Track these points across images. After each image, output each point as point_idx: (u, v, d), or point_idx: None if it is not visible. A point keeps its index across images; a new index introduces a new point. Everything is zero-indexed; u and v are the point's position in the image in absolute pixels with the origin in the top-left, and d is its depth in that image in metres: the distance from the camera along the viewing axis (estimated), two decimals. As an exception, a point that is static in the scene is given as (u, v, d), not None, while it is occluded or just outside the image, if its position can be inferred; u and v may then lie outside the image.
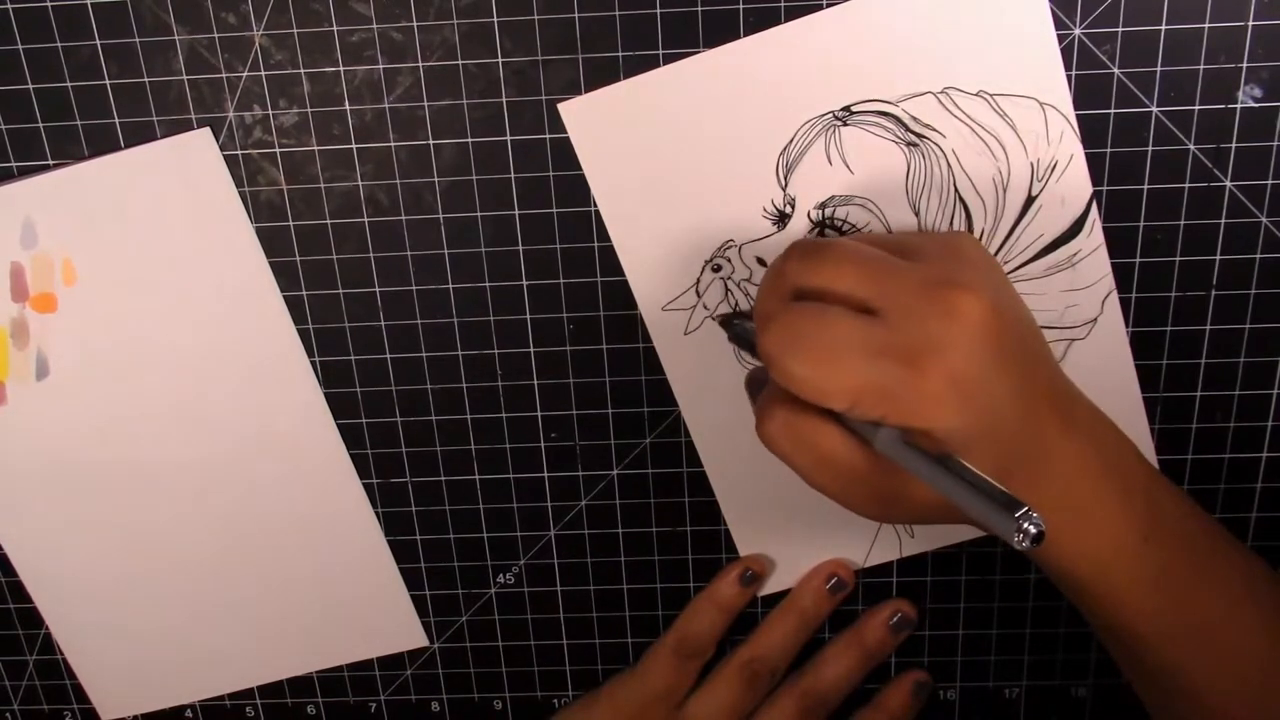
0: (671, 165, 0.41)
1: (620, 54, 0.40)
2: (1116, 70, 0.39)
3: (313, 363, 0.44)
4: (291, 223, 0.42)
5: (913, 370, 0.32)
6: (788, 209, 0.41)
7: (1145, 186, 0.41)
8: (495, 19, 0.39)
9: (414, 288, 0.43)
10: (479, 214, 0.42)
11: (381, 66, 0.40)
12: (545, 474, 0.46)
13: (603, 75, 0.40)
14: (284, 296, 0.43)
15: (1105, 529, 0.35)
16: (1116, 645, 0.39)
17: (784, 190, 0.41)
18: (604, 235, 0.42)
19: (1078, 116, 0.40)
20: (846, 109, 0.40)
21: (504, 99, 0.40)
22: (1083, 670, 0.49)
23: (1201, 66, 0.39)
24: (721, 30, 0.39)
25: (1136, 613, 0.36)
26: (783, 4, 0.39)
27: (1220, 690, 0.37)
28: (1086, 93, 0.39)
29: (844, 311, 0.33)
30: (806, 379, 0.33)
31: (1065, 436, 0.35)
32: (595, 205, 0.42)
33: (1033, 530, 0.28)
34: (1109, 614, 0.37)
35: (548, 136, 0.41)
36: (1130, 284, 0.42)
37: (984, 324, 0.32)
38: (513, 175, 0.42)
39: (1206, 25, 0.38)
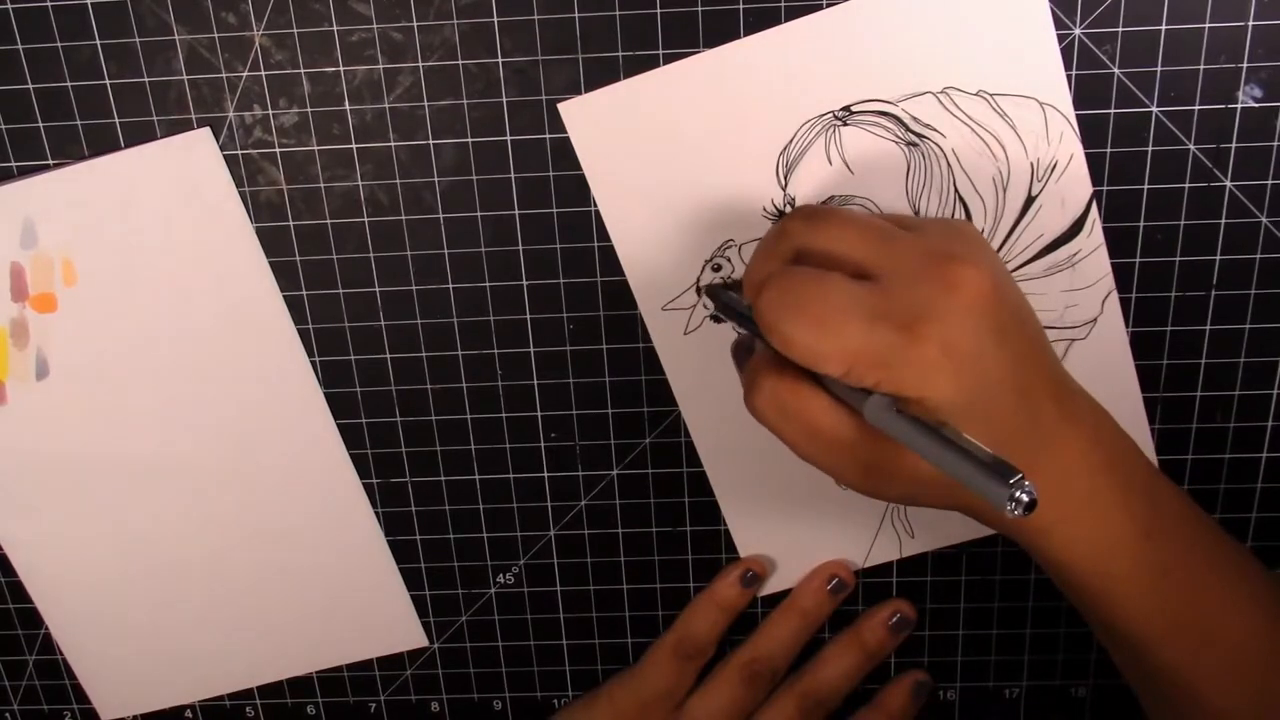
0: (671, 165, 0.41)
1: (620, 54, 0.40)
2: (1116, 70, 0.39)
3: (313, 363, 0.44)
4: (291, 223, 0.42)
5: (909, 337, 0.32)
6: (788, 209, 0.41)
7: (1145, 186, 0.41)
8: (495, 19, 0.39)
9: (414, 288, 0.43)
10: (479, 214, 0.42)
11: (381, 66, 0.40)
12: (545, 474, 0.46)
13: (603, 75, 0.40)
14: (284, 296, 0.43)
15: (1104, 522, 0.35)
16: (1115, 646, 0.39)
17: (784, 190, 0.41)
18: (604, 235, 0.42)
19: (1078, 116, 0.40)
20: (846, 109, 0.40)
21: (504, 99, 0.40)
22: (1083, 670, 0.49)
23: (1201, 66, 0.39)
24: (721, 30, 0.39)
25: (1135, 612, 0.36)
26: (783, 4, 0.39)
27: (1219, 692, 0.37)
28: (1086, 93, 0.39)
29: (842, 276, 0.33)
30: (801, 342, 0.33)
31: (1064, 425, 0.35)
32: (595, 205, 0.42)
33: (1025, 498, 0.27)
34: (1107, 612, 0.37)
35: (548, 136, 0.41)
36: (1130, 284, 0.42)
37: (983, 298, 0.32)
38: (513, 175, 0.42)
39: (1206, 25, 0.38)
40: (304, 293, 0.43)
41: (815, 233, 0.35)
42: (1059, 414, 0.35)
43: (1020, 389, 0.34)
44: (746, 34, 0.39)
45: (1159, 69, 0.39)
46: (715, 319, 0.43)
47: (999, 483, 0.28)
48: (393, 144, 0.41)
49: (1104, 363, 0.43)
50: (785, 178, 0.41)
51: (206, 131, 0.41)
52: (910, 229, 0.35)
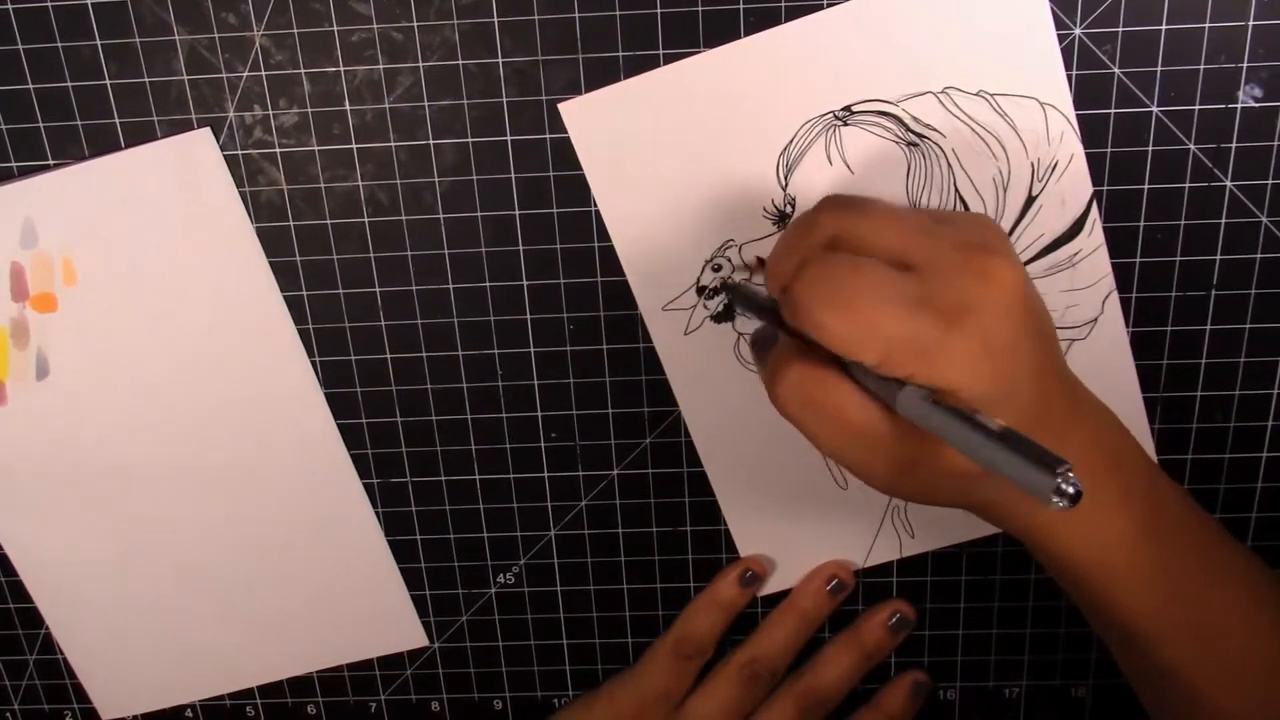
0: (671, 165, 0.41)
1: (620, 54, 0.40)
2: (1116, 70, 0.39)
3: (313, 363, 0.44)
4: (291, 223, 0.42)
5: (949, 328, 0.31)
6: (788, 209, 0.41)
7: (1145, 186, 0.41)
8: (495, 19, 0.39)
9: (414, 288, 0.43)
10: (479, 214, 0.42)
11: (381, 66, 0.40)
12: (545, 474, 0.46)
13: (603, 75, 0.40)
14: (284, 296, 0.43)
15: (1105, 520, 0.35)
16: (1116, 644, 0.39)
17: (784, 190, 0.41)
18: (604, 235, 0.42)
19: (1078, 116, 0.40)
20: (846, 109, 0.40)
21: (504, 99, 0.40)
22: (1083, 670, 0.49)
23: (1201, 66, 0.39)
24: (721, 30, 0.39)
25: (1136, 609, 0.36)
26: (783, 4, 0.39)
27: (1221, 690, 0.37)
28: (1086, 93, 0.39)
29: (880, 263, 0.33)
30: (838, 328, 0.32)
31: (1072, 422, 0.35)
32: (595, 205, 0.42)
33: (1070, 490, 0.26)
34: (1108, 610, 0.37)
35: (548, 136, 0.41)
36: (1130, 284, 0.42)
37: (1016, 291, 0.32)
38: (513, 175, 0.42)
39: (1206, 25, 0.38)
40: (304, 293, 0.43)
41: (850, 222, 0.34)
42: (1067, 411, 0.35)
43: (1039, 383, 0.33)
44: (746, 34, 0.39)
45: (1159, 69, 0.39)
46: (715, 319, 0.43)
47: (1045, 473, 0.27)
48: (393, 144, 0.41)
49: (1104, 363, 0.43)
50: (785, 178, 0.41)
51: (206, 131, 0.41)
52: (939, 222, 0.35)
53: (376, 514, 0.47)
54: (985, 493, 0.35)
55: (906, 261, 0.33)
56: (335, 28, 0.40)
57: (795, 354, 0.34)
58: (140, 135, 0.41)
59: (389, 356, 0.44)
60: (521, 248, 0.43)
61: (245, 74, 0.40)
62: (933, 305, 0.32)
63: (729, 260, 0.42)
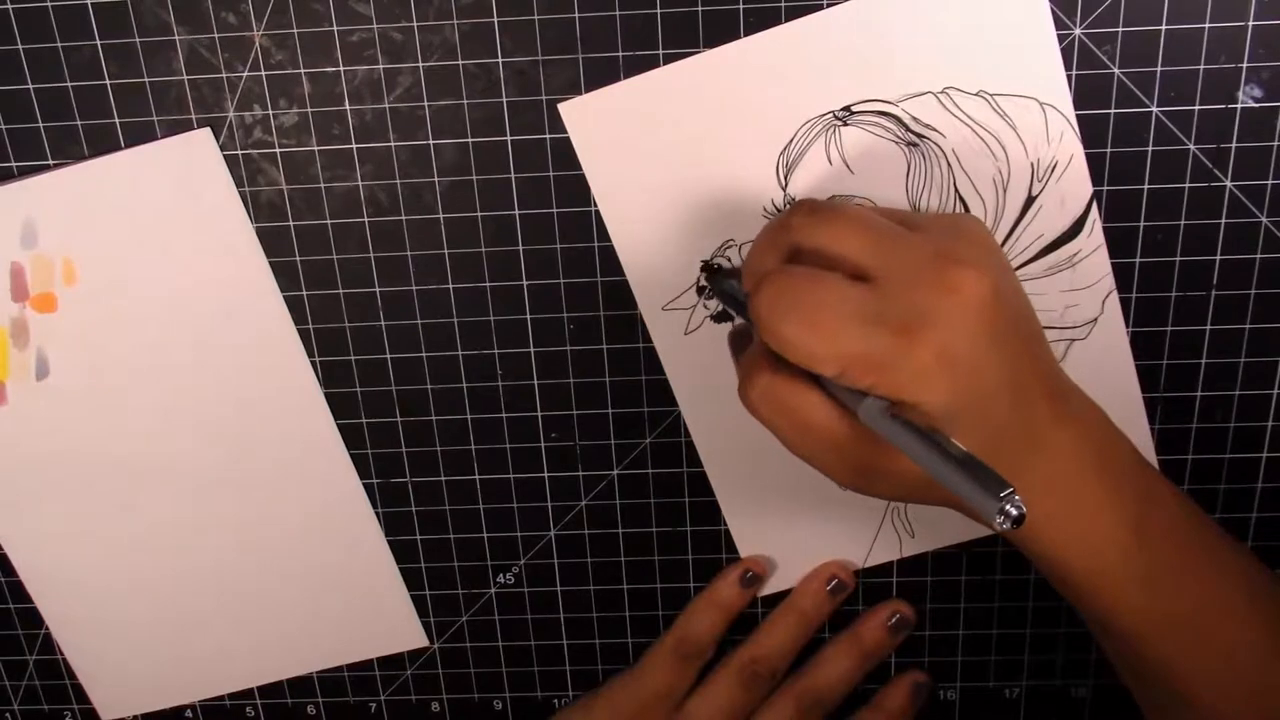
0: (671, 165, 0.41)
1: (620, 54, 0.40)
2: (1116, 70, 0.39)
3: (313, 363, 0.44)
4: (291, 223, 0.42)
5: (905, 341, 0.32)
6: (788, 209, 0.41)
7: (1145, 186, 0.41)
8: (495, 19, 0.39)
9: (414, 288, 0.43)
10: (479, 214, 0.42)
11: (381, 66, 0.40)
12: (545, 474, 0.46)
13: (603, 75, 0.40)
14: (284, 296, 0.43)
15: (1093, 520, 0.35)
16: (1110, 643, 0.39)
17: (784, 190, 0.41)
18: (604, 235, 0.42)
19: (1078, 116, 0.40)
20: (846, 109, 0.40)
21: (504, 99, 0.40)
22: (1083, 670, 0.49)
23: (1201, 66, 0.39)
24: (721, 30, 0.39)
25: (1127, 608, 0.36)
26: (783, 4, 0.39)
27: (1213, 689, 0.37)
28: (1086, 93, 0.39)
29: (840, 277, 0.33)
30: (796, 342, 0.33)
31: (1057, 425, 0.35)
32: (595, 205, 0.42)
33: (1014, 512, 0.28)
34: (1100, 608, 0.37)
35: (548, 136, 0.41)
36: (1130, 284, 0.42)
37: (982, 302, 0.32)
38: (513, 175, 0.42)
39: (1206, 25, 0.38)
40: (304, 293, 0.43)
41: (816, 230, 0.34)
42: (1051, 414, 0.35)
43: (1014, 390, 0.34)
44: (746, 34, 0.39)
45: (1159, 69, 0.39)
46: (715, 319, 0.43)
47: (989, 496, 0.28)
48: (393, 144, 0.41)
49: (1104, 363, 0.43)
50: (785, 178, 0.41)
51: (206, 131, 0.41)
52: (914, 227, 0.35)
53: (376, 514, 0.47)
54: (953, 496, 0.35)
55: (868, 272, 0.33)
56: (335, 28, 0.40)
57: (766, 357, 0.35)
58: (140, 135, 0.41)
59: (389, 356, 0.44)
60: (521, 248, 0.43)
61: (245, 74, 0.40)
62: (890, 319, 0.32)
63: (729, 260, 0.42)
